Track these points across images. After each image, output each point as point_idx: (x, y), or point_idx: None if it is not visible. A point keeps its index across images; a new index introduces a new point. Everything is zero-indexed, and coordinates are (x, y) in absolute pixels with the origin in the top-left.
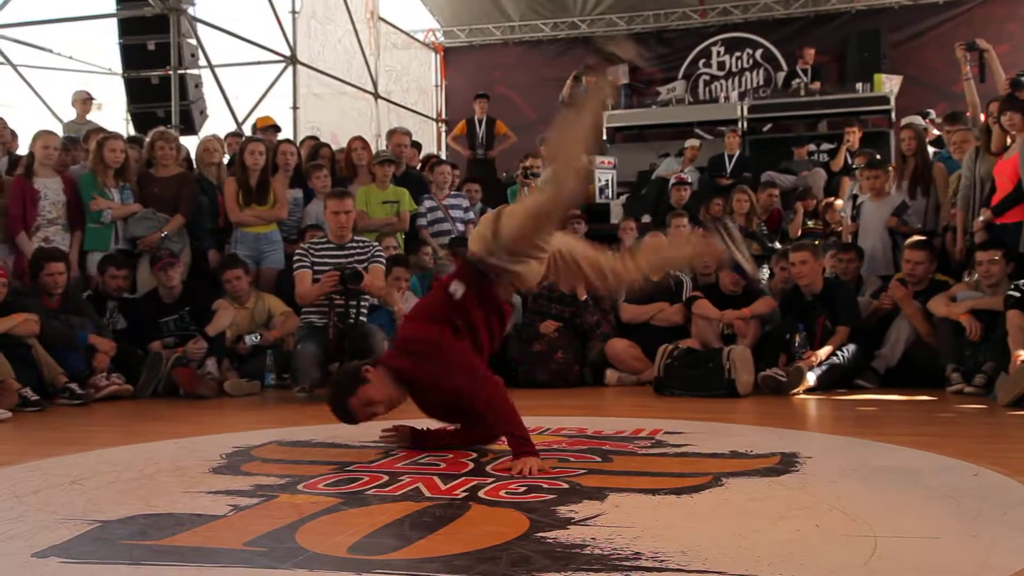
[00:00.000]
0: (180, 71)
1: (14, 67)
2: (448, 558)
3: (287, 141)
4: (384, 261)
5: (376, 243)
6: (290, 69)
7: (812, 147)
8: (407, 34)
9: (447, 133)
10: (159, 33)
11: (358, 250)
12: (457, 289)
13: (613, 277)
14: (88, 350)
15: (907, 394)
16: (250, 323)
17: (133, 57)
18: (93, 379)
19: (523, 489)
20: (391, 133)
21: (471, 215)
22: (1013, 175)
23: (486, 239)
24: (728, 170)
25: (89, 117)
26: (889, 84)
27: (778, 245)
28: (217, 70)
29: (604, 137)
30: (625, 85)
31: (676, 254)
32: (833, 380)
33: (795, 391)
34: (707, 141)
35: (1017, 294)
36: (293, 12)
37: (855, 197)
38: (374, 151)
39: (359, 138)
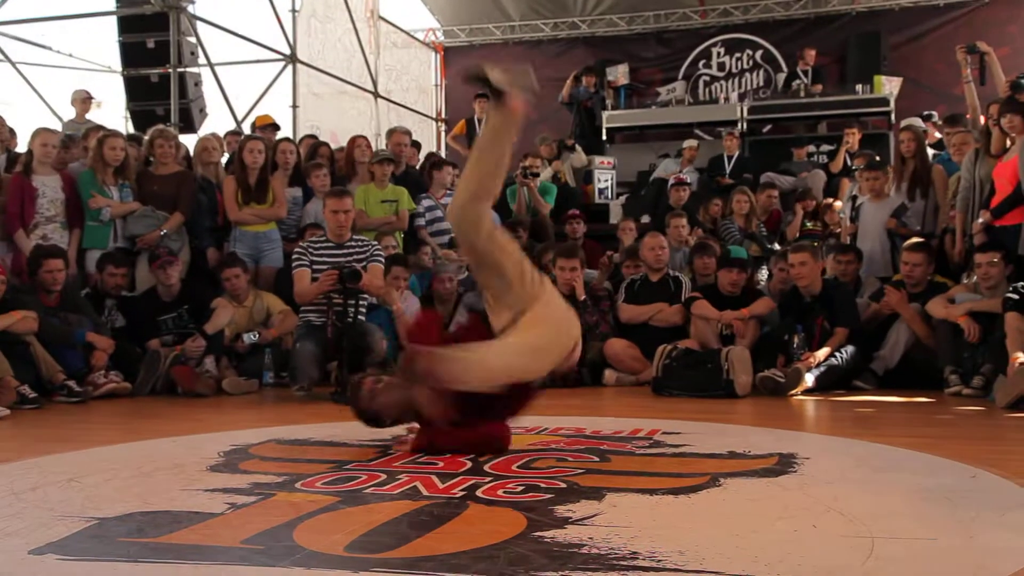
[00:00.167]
0: (180, 69)
1: (13, 64)
2: (445, 557)
3: (286, 140)
4: (383, 260)
5: (375, 242)
6: (290, 68)
7: (811, 148)
8: (407, 33)
9: (447, 132)
10: (159, 31)
11: (357, 249)
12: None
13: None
14: (86, 348)
15: (905, 396)
16: (249, 321)
17: (133, 55)
18: (91, 377)
19: (521, 488)
20: (391, 132)
21: None
22: (1012, 177)
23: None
24: (727, 171)
25: (88, 115)
26: (889, 86)
27: (777, 246)
28: (217, 68)
29: (604, 137)
30: (625, 86)
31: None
32: (831, 381)
33: (793, 392)
34: (706, 142)
35: (1016, 296)
36: (293, 11)
37: (854, 198)
38: (374, 150)
39: (363, 137)
